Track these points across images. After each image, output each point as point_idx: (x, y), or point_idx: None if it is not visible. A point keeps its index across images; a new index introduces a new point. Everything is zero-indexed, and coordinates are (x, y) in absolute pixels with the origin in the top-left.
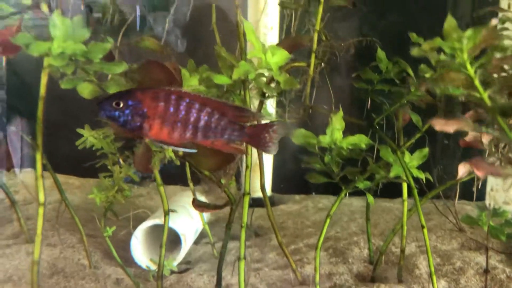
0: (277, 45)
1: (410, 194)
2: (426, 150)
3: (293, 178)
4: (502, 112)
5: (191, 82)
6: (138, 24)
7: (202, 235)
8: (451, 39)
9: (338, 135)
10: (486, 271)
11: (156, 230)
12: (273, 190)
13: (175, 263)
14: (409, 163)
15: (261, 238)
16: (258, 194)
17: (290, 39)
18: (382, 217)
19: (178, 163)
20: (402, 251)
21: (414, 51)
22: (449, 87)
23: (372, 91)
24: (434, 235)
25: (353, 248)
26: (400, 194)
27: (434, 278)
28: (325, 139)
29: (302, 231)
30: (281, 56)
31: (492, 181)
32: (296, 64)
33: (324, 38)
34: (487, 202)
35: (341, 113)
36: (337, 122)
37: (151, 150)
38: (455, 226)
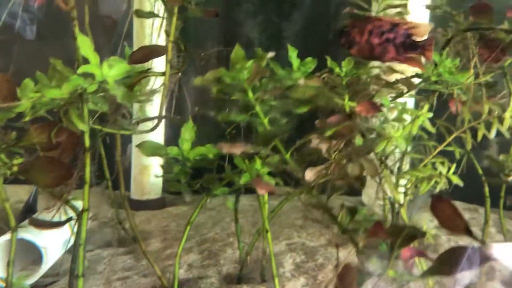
0: (132, 54)
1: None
2: (276, 157)
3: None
4: (263, 140)
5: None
6: None
7: (85, 242)
8: (235, 69)
9: (186, 146)
10: (337, 266)
11: (20, 244)
12: (164, 191)
13: (35, 278)
14: (261, 170)
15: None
16: (147, 196)
17: (145, 49)
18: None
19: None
20: (264, 252)
21: (197, 81)
22: (232, 113)
23: (230, 100)
24: (305, 233)
25: (227, 250)
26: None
27: (276, 280)
28: (173, 150)
29: (182, 234)
30: (119, 69)
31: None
32: (151, 74)
33: (182, 47)
34: (363, 198)
35: (191, 124)
36: (187, 133)
37: None
38: (322, 223)
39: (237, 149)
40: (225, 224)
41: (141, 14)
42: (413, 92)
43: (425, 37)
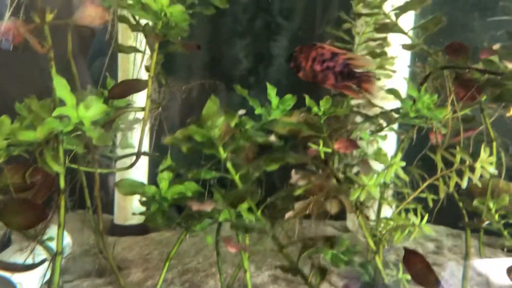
0: (111, 89)
1: None
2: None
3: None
4: (233, 201)
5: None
6: None
7: (66, 271)
8: (207, 127)
9: (164, 185)
10: None
11: None
12: None
13: None
14: (242, 207)
15: (120, 273)
16: (130, 221)
17: (125, 84)
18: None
19: None
20: (245, 286)
21: (167, 140)
22: (202, 171)
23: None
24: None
25: (208, 281)
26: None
27: None
28: (150, 190)
29: (164, 264)
30: (96, 110)
31: None
32: (130, 109)
33: (163, 81)
34: (347, 223)
35: (169, 161)
36: (165, 172)
37: None
38: None
39: (208, 207)
40: (208, 253)
41: (123, 49)
42: (393, 125)
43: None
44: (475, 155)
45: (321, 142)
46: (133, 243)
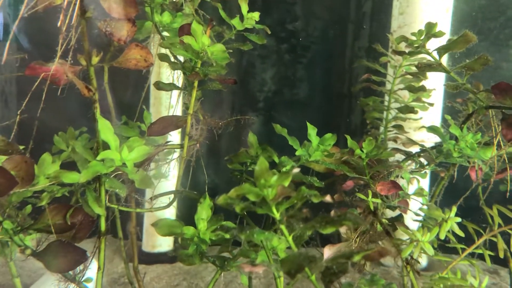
0: (150, 126)
1: None
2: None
3: None
4: (289, 267)
5: (51, 170)
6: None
7: None
8: (259, 185)
9: (202, 226)
10: None
11: None
12: (176, 243)
13: None
14: (278, 246)
15: None
16: (159, 249)
17: (165, 120)
18: None
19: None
20: None
21: (220, 200)
22: (254, 231)
23: (246, 172)
24: None
25: None
26: None
27: None
28: (188, 230)
29: None
30: (139, 152)
31: None
32: (169, 146)
33: (201, 117)
34: None
35: (208, 201)
36: (203, 212)
37: None
38: None
39: (259, 269)
40: (237, 285)
41: (162, 86)
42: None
43: None
44: None
45: (370, 193)
46: (161, 272)
